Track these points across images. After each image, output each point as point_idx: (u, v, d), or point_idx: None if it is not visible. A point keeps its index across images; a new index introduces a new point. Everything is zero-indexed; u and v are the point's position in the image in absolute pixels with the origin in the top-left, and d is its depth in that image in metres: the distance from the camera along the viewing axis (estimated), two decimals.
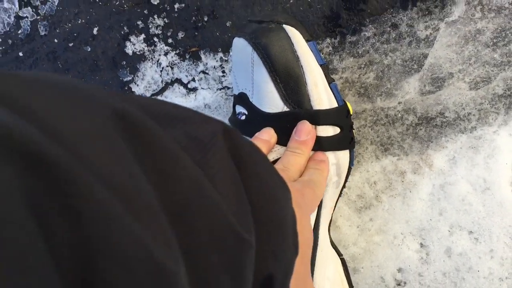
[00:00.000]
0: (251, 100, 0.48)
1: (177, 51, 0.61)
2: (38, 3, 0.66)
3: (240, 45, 0.48)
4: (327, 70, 0.48)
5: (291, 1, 0.57)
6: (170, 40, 0.62)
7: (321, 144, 0.46)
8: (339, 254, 0.51)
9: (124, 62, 0.63)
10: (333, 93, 0.47)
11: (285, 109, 0.46)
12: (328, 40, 0.56)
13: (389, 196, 0.55)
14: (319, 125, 0.45)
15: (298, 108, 0.45)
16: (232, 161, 0.23)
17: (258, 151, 0.27)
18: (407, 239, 0.54)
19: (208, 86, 0.61)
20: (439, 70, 0.53)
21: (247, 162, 0.24)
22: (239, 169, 0.24)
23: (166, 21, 0.62)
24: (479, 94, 0.52)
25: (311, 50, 0.46)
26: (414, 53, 0.54)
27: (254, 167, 0.25)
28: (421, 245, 0.54)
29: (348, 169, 0.49)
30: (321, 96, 0.46)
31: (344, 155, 0.48)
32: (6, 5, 0.67)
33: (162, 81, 0.62)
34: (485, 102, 0.52)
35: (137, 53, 0.63)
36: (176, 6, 0.61)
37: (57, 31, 0.66)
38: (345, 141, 0.47)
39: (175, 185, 0.18)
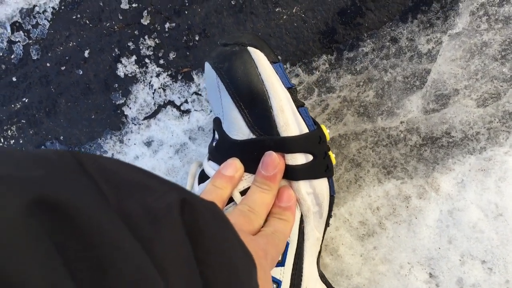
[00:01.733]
0: (222, 125, 0.45)
1: (169, 72, 0.59)
2: (29, 26, 0.65)
3: (207, 70, 0.45)
4: (296, 93, 0.44)
5: (284, 17, 0.54)
6: (161, 61, 0.59)
7: (291, 173, 0.42)
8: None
9: (116, 85, 0.61)
10: (303, 118, 0.43)
11: (251, 136, 0.42)
12: (324, 56, 0.53)
13: (394, 223, 0.51)
14: (287, 153, 0.42)
15: (265, 135, 0.42)
16: (187, 237, 0.22)
17: (221, 222, 0.26)
18: (415, 269, 0.50)
19: (201, 107, 0.58)
20: (443, 87, 0.49)
21: (206, 236, 0.23)
22: (196, 244, 0.22)
23: (157, 42, 0.59)
24: (488, 112, 0.48)
25: (277, 73, 0.43)
26: (416, 69, 0.50)
27: (214, 242, 0.24)
28: (430, 275, 0.50)
29: (331, 197, 0.45)
30: (288, 122, 0.42)
31: (321, 183, 0.44)
32: None
33: (154, 104, 0.60)
34: (494, 120, 0.48)
35: (129, 75, 0.61)
36: (167, 25, 0.59)
37: (49, 54, 0.64)
38: (319, 169, 0.44)
39: (113, 280, 0.17)
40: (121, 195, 0.20)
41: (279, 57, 0.44)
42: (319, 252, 0.47)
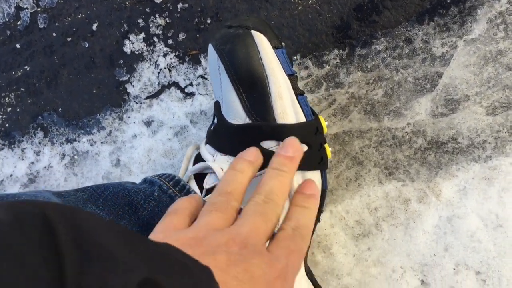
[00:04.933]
0: (221, 109, 0.44)
1: (177, 53, 0.58)
2: None
3: (210, 51, 0.45)
4: (296, 80, 0.43)
5: (299, 8, 0.53)
6: (170, 41, 0.58)
7: None
8: (316, 285, 0.46)
9: (122, 61, 0.60)
10: (301, 107, 0.42)
11: (247, 120, 0.42)
12: (335, 51, 0.52)
13: (391, 225, 0.50)
14: (282, 141, 0.40)
15: (261, 120, 0.41)
16: None
17: None
18: (407, 274, 0.49)
19: (206, 91, 0.57)
20: (454, 92, 0.49)
21: None
22: None
23: (168, 21, 0.58)
24: (497, 121, 0.47)
25: (279, 58, 0.42)
26: (428, 71, 0.49)
27: None
28: (422, 282, 0.49)
29: (322, 191, 0.44)
30: (286, 110, 0.41)
31: (313, 176, 0.42)
32: None
33: (158, 84, 0.59)
34: (503, 130, 0.47)
35: (136, 52, 0.60)
36: (180, 6, 0.58)
37: (56, 24, 0.63)
38: (313, 160, 0.42)
39: None
40: (84, 264, 0.18)
41: (282, 43, 0.44)
42: (308, 247, 0.46)
